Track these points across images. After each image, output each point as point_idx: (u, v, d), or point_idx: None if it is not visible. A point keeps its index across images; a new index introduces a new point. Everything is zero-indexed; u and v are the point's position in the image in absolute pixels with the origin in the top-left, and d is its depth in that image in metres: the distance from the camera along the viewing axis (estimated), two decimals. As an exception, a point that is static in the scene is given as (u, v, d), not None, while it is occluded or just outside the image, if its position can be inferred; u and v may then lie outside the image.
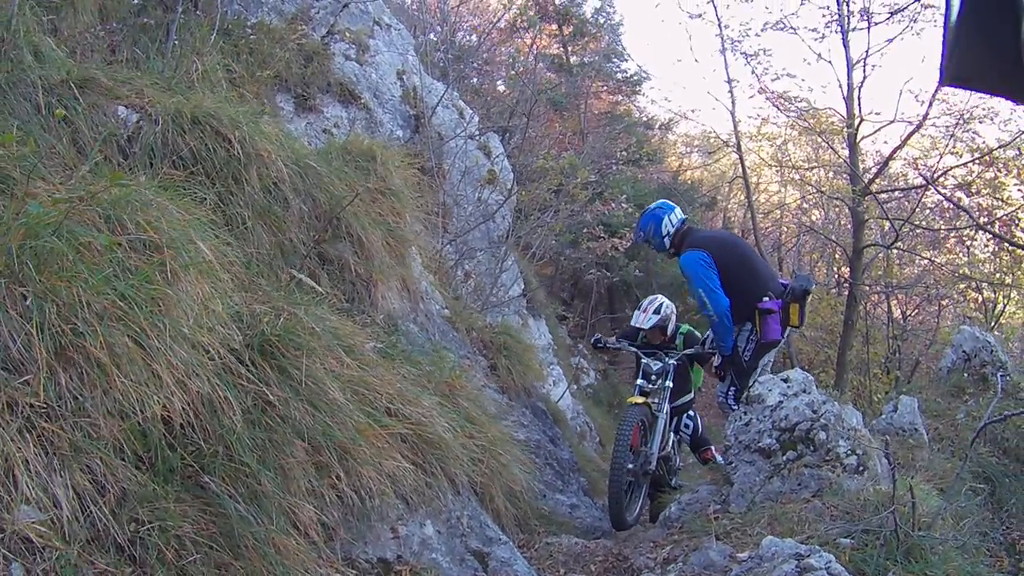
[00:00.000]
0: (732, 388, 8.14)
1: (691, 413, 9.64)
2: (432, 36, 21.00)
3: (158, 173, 5.11)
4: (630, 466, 7.86)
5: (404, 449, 5.14)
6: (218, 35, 8.37)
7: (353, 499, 4.61)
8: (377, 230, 7.03)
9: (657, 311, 9.35)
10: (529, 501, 7.67)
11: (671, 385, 8.67)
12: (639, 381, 8.69)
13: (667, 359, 8.77)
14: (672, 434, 9.28)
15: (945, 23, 1.58)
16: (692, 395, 9.70)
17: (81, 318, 3.38)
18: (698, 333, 9.49)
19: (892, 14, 20.20)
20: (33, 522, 3.06)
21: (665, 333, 9.39)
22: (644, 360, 8.85)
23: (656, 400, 8.50)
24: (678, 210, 8.59)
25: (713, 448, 9.62)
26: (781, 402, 7.00)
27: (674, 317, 9.54)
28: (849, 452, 6.61)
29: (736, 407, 7.76)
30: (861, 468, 6.55)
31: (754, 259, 8.55)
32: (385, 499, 4.92)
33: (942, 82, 1.61)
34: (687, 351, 9.05)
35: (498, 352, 9.80)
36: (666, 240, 8.44)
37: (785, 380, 7.23)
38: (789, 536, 5.45)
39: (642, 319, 9.34)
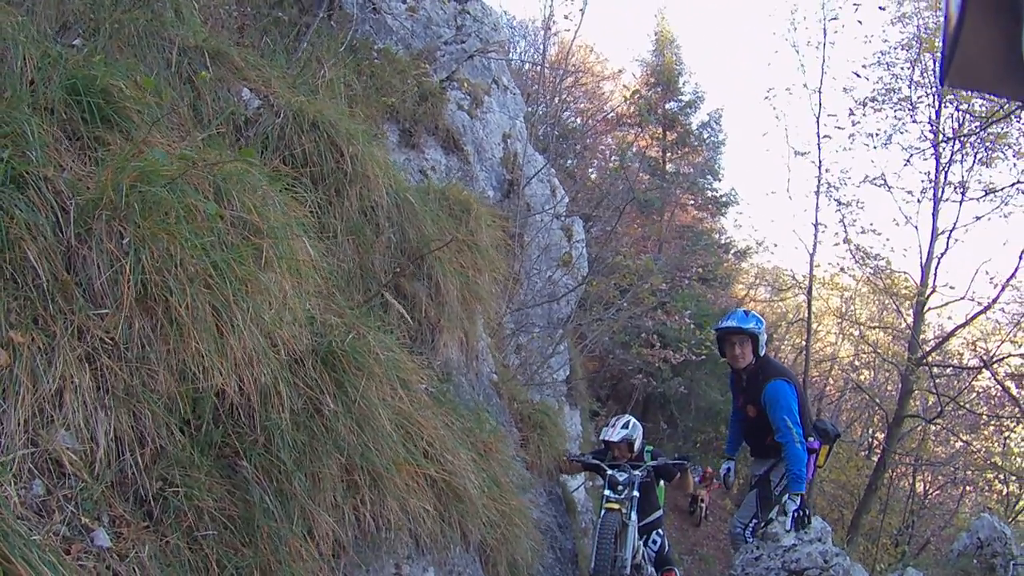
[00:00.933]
0: (753, 521, 8.06)
1: (660, 531, 9.73)
2: (541, 109, 21.18)
3: (267, 163, 5.18)
4: (610, 571, 7.94)
5: (431, 493, 5.12)
6: (346, 50, 8.50)
7: (371, 525, 4.60)
8: (455, 279, 7.06)
9: (625, 426, 9.49)
10: (527, 578, 7.62)
11: (638, 495, 8.79)
12: (606, 492, 8.81)
13: (632, 471, 8.88)
14: (642, 546, 9.35)
15: (945, 23, 1.59)
16: (661, 512, 9.87)
17: (172, 274, 3.42)
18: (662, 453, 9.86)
19: (987, 192, 20.52)
20: (68, 448, 3.08)
21: (632, 449, 9.47)
22: (610, 472, 8.96)
23: (625, 509, 8.59)
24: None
25: (676, 571, 9.82)
26: (795, 545, 6.98)
27: (640, 436, 9.67)
28: (849, 608, 6.54)
29: (752, 541, 7.69)
30: (857, 627, 6.48)
31: (807, 410, 8.59)
32: (399, 535, 4.90)
33: (942, 83, 1.62)
34: (652, 463, 9.23)
35: (532, 429, 9.75)
36: (762, 349, 8.44)
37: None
38: None
39: (611, 433, 9.47)
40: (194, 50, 5.50)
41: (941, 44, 1.57)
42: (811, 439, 8.17)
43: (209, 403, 3.67)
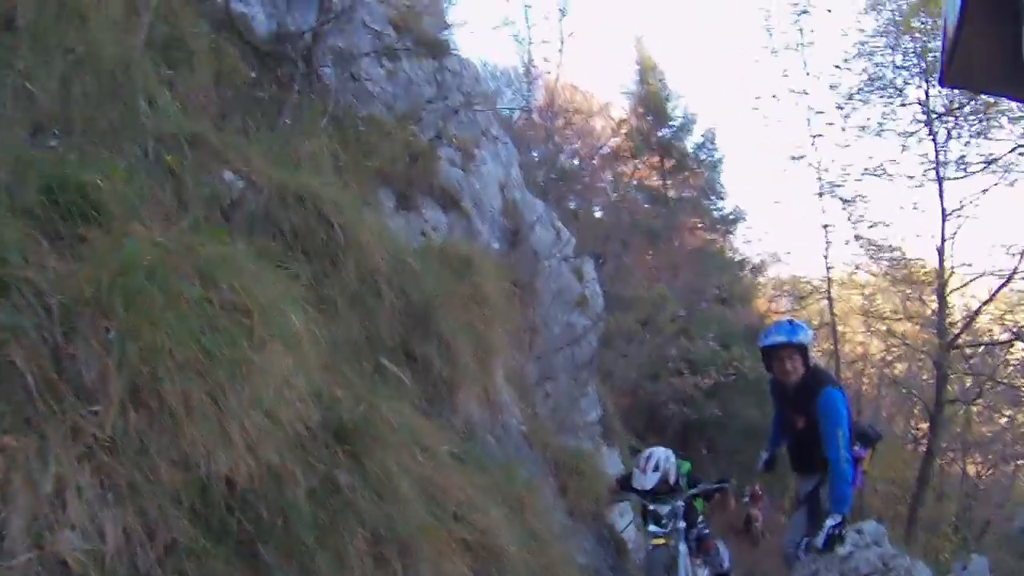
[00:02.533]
0: (805, 540, 7.70)
1: (719, 546, 9.95)
2: (535, 155, 21.22)
3: (255, 242, 5.09)
4: None
5: (466, 555, 4.98)
6: (329, 121, 8.45)
7: (408, 597, 4.46)
8: (465, 335, 6.95)
9: (656, 468, 9.27)
10: (579, 628, 7.47)
11: (684, 525, 8.78)
12: (651, 527, 8.78)
13: (675, 502, 8.83)
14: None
15: (945, 24, 1.60)
16: (703, 524, 9.82)
17: (161, 363, 3.31)
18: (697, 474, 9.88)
19: (987, 163, 20.32)
20: (75, 549, 2.95)
21: (669, 483, 9.31)
22: (652, 507, 8.90)
23: (672, 542, 8.55)
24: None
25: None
26: (852, 552, 6.80)
27: (673, 463, 9.47)
28: (918, 610, 6.35)
29: (806, 558, 7.40)
30: (929, 628, 6.28)
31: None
32: (440, 603, 4.75)
33: (943, 82, 1.64)
34: (692, 491, 9.19)
35: (570, 475, 9.62)
36: (811, 359, 7.97)
37: (858, 531, 7.01)
38: None
39: (644, 481, 9.24)
40: (171, 138, 5.42)
41: (941, 44, 1.59)
42: (856, 447, 7.63)
43: (218, 490, 3.53)
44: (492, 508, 5.59)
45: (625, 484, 10.01)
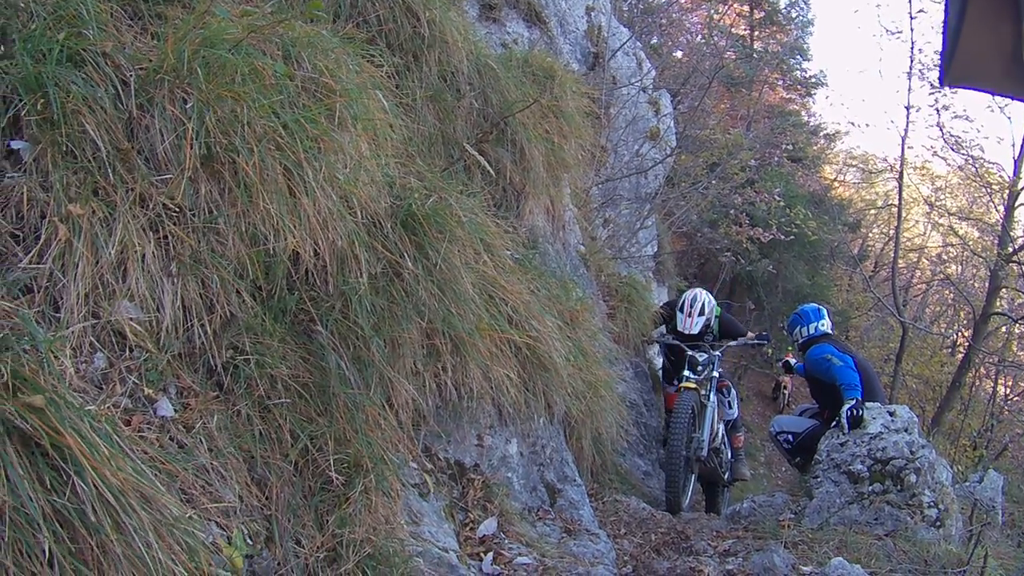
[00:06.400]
0: (790, 436, 8.38)
1: (733, 390, 10.01)
2: (626, -13, 20.74)
3: (341, 30, 5.02)
4: (684, 452, 7.94)
5: (515, 361, 5.04)
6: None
7: (452, 394, 4.54)
8: (540, 145, 6.89)
9: (702, 312, 9.47)
10: (610, 454, 7.58)
11: (717, 375, 8.94)
12: (686, 372, 8.77)
13: (712, 351, 9.00)
14: (721, 426, 9.46)
15: (945, 23, 1.57)
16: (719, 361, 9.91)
17: (239, 134, 3.30)
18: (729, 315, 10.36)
19: (1086, 84, 19.29)
20: (131, 318, 2.99)
21: (710, 326, 9.61)
22: (690, 353, 8.94)
23: (704, 390, 8.63)
24: (824, 322, 8.85)
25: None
26: (881, 433, 6.80)
27: (712, 307, 9.70)
28: (932, 503, 6.40)
29: (787, 448, 8.35)
30: (939, 523, 6.34)
31: (876, 385, 8.42)
32: (482, 404, 4.84)
33: (943, 82, 1.62)
34: (731, 343, 9.58)
35: (620, 301, 9.67)
36: (796, 343, 8.93)
37: (891, 413, 7.00)
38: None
39: (690, 324, 9.43)
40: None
41: (941, 44, 1.54)
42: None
43: (282, 267, 3.55)
44: (547, 317, 5.66)
45: (670, 314, 10.08)
